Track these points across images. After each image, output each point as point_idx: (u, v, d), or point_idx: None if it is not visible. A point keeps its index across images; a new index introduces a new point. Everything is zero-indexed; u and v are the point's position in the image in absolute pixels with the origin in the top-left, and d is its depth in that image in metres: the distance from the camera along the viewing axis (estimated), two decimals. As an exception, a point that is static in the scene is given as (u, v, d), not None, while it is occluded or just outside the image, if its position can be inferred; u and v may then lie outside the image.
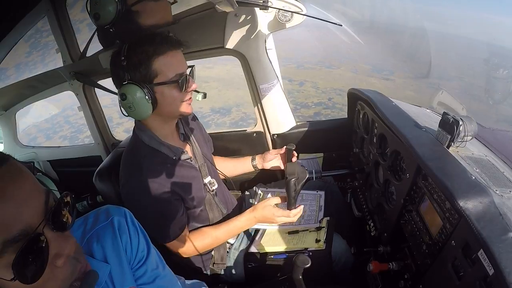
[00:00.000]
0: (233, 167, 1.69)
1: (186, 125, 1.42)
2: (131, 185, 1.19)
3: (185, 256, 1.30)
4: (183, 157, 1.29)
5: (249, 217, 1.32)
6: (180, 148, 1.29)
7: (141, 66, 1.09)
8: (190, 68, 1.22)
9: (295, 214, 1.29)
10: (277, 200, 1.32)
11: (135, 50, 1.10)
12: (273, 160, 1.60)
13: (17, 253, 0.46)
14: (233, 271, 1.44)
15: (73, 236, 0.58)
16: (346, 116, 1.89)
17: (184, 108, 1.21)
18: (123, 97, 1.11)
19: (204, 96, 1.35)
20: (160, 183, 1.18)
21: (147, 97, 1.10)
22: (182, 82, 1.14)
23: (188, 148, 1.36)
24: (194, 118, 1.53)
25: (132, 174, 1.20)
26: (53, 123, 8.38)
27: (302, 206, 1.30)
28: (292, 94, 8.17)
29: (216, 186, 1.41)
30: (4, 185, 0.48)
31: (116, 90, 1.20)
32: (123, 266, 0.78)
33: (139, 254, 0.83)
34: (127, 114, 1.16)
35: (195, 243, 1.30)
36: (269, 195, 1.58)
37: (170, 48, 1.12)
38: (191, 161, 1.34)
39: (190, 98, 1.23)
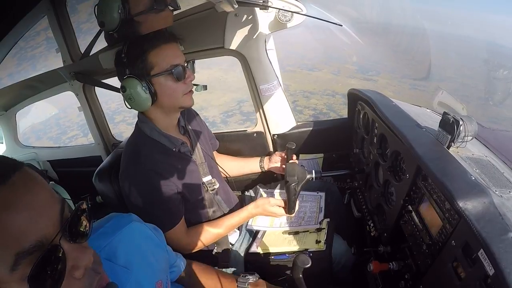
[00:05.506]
0: (241, 167, 1.72)
1: (188, 121, 1.43)
2: (130, 173, 1.22)
3: (185, 252, 1.30)
4: (183, 149, 1.31)
5: (250, 210, 1.36)
6: (180, 139, 1.31)
7: (138, 60, 1.15)
8: (190, 62, 1.26)
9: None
10: (279, 202, 1.34)
11: (132, 47, 1.16)
12: (278, 162, 1.62)
13: (33, 266, 0.43)
14: (234, 272, 1.44)
15: (91, 247, 0.54)
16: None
17: (184, 99, 1.24)
18: (123, 90, 1.17)
19: (205, 88, 1.39)
20: (158, 171, 1.20)
21: (144, 88, 1.15)
22: (177, 72, 1.17)
23: (187, 142, 1.37)
24: (197, 116, 1.54)
25: (130, 162, 1.23)
26: (45, 125, 8.41)
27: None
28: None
29: (217, 185, 1.42)
30: (17, 193, 0.45)
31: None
32: (150, 263, 0.78)
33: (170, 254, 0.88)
34: (130, 107, 1.21)
35: (195, 237, 1.31)
36: (276, 195, 1.57)
37: (164, 41, 1.17)
38: (190, 154, 1.35)
39: (191, 90, 1.26)
